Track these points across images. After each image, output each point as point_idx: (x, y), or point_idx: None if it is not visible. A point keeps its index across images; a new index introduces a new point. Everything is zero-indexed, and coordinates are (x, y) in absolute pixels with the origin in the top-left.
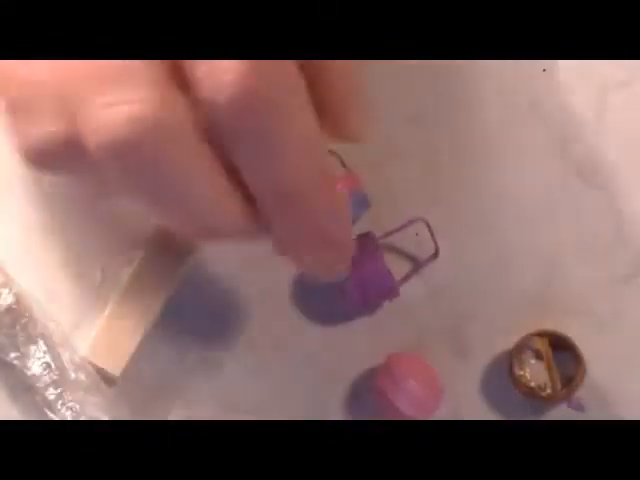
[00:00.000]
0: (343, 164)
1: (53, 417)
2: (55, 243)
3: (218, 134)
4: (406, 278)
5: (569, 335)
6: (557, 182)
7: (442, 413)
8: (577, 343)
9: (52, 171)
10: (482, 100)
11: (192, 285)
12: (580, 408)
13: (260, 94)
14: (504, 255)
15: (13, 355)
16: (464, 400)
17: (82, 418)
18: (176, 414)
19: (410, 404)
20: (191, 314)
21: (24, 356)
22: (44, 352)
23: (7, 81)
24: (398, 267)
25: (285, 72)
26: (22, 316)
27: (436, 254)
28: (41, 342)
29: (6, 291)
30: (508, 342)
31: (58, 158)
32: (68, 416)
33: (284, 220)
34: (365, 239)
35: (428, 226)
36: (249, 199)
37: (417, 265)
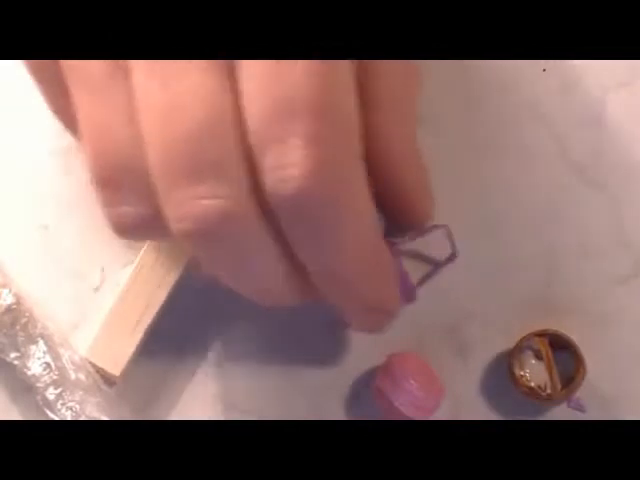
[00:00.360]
0: None
1: (53, 417)
2: (55, 243)
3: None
4: (423, 281)
5: (569, 335)
6: (557, 182)
7: (442, 413)
8: (577, 343)
9: (140, 240)
10: (481, 100)
11: (192, 285)
12: (580, 408)
13: (324, 192)
14: (504, 255)
15: (13, 355)
16: (464, 400)
17: (82, 418)
18: (176, 414)
19: (410, 404)
20: (191, 314)
21: (24, 356)
22: (44, 352)
23: (100, 159)
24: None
25: (352, 166)
26: (22, 316)
27: (453, 256)
28: (41, 342)
29: (6, 291)
30: (508, 342)
31: (144, 232)
32: (68, 416)
33: (336, 296)
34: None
35: (449, 232)
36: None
37: (434, 268)
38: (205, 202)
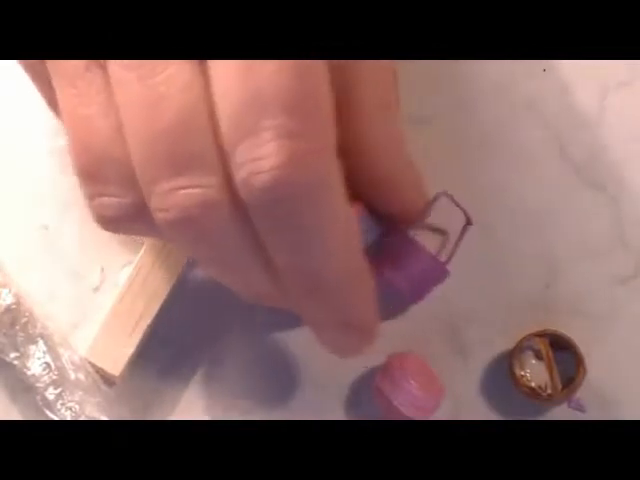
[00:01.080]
0: None
1: (53, 417)
2: (55, 243)
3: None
4: (450, 256)
5: (569, 335)
6: (556, 182)
7: (442, 413)
8: (577, 343)
9: (123, 232)
10: (481, 100)
11: (192, 285)
12: (580, 408)
13: (296, 186)
14: (504, 255)
15: (13, 355)
16: (464, 400)
17: (82, 418)
18: (176, 414)
19: (410, 404)
20: (191, 314)
21: (24, 356)
22: (44, 352)
23: (81, 151)
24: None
25: (325, 161)
26: (22, 316)
27: (469, 222)
28: (41, 342)
29: (6, 291)
30: (508, 342)
31: (127, 223)
32: (68, 416)
33: (310, 305)
34: (400, 237)
35: (452, 198)
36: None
37: (457, 239)
38: (186, 192)
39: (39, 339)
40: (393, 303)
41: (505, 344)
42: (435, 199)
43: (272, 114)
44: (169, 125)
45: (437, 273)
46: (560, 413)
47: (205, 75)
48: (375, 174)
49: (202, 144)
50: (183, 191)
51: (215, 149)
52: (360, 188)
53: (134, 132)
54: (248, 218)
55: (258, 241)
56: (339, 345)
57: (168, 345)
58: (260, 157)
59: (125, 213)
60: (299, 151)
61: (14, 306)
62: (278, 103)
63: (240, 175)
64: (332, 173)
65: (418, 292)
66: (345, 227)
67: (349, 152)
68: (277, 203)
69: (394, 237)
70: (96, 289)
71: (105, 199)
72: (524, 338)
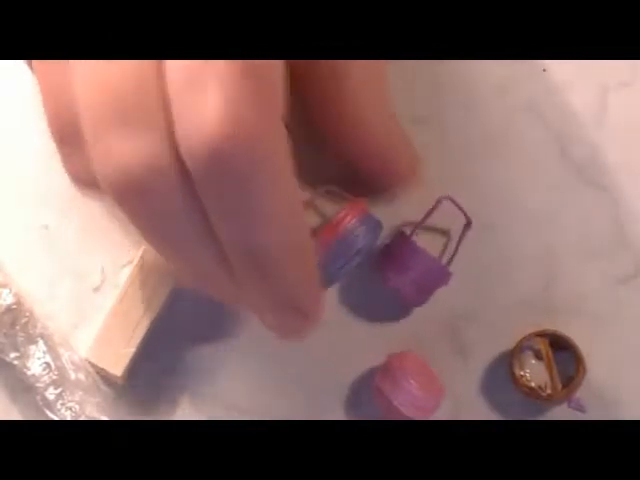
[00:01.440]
0: (345, 196)
1: (53, 417)
2: (55, 243)
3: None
4: (451, 259)
5: (569, 335)
6: (557, 182)
7: (442, 413)
8: (577, 343)
9: (97, 193)
10: (482, 100)
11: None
12: (580, 408)
13: (239, 143)
14: (504, 255)
15: (13, 355)
16: (464, 400)
17: (82, 418)
18: (176, 414)
19: (410, 404)
20: (191, 314)
21: (24, 356)
22: (44, 352)
23: (52, 117)
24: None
25: (270, 124)
26: (22, 316)
27: (469, 223)
28: (41, 342)
29: (6, 291)
30: (508, 342)
31: (97, 187)
32: (68, 416)
33: (250, 279)
34: (401, 241)
35: (453, 201)
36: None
37: (456, 239)
38: (129, 153)
39: (39, 339)
40: (397, 306)
41: (505, 344)
42: (438, 203)
43: (221, 70)
44: (115, 82)
45: (440, 275)
46: (560, 413)
47: None
48: (363, 134)
49: (148, 104)
50: (124, 152)
51: (160, 111)
52: (349, 150)
53: (82, 89)
54: (193, 186)
55: (203, 213)
56: (282, 328)
57: (168, 345)
58: (203, 109)
59: (94, 177)
60: (245, 108)
61: (14, 306)
62: (229, 63)
63: (183, 129)
64: (276, 138)
65: (422, 295)
66: (288, 199)
67: (337, 117)
68: (216, 160)
69: (395, 241)
70: (96, 289)
71: (77, 164)
72: (524, 338)
